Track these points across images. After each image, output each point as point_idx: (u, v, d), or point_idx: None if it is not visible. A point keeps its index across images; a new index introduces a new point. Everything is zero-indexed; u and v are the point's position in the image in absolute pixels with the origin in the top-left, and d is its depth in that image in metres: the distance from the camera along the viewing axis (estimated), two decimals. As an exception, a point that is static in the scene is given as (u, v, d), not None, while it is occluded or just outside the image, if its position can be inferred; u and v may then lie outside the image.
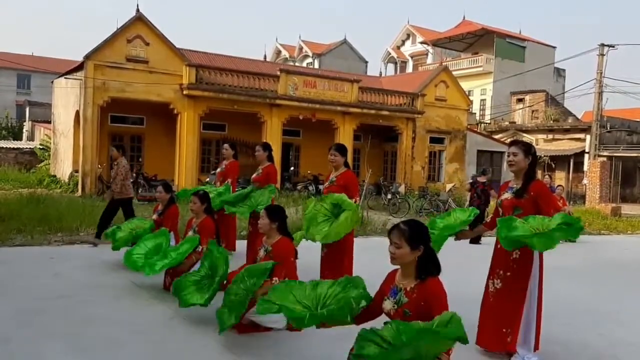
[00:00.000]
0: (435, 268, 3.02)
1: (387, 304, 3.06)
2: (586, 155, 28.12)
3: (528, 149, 4.19)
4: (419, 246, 2.97)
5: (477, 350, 4.22)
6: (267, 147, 7.13)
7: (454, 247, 5.29)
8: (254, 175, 7.05)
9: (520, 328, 4.02)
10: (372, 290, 3.29)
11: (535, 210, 4.02)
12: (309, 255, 5.71)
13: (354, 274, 4.54)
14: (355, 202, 5.54)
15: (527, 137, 30.28)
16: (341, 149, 5.85)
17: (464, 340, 2.62)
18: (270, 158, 7.08)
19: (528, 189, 4.06)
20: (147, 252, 5.83)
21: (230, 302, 4.25)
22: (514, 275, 4.03)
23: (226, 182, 7.42)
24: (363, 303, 3.23)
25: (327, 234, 5.32)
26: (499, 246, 4.18)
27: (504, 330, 4.03)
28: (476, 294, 4.40)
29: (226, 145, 7.85)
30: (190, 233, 5.92)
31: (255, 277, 4.23)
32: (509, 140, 30.19)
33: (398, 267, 3.11)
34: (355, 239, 5.97)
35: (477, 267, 4.97)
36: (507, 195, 4.19)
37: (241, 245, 7.61)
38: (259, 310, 3.52)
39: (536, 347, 4.08)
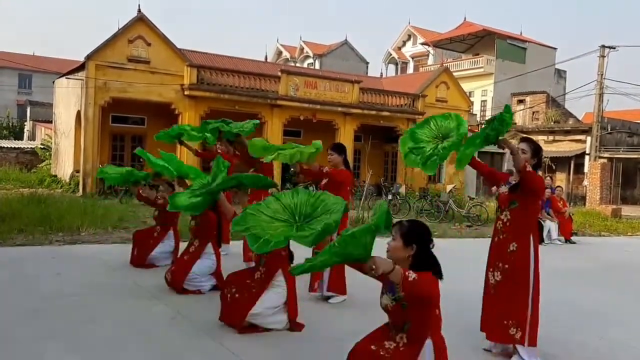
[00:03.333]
0: (432, 270, 2.93)
1: (385, 299, 3.05)
2: (587, 157, 28.12)
3: (537, 150, 4.22)
4: (411, 244, 2.99)
5: (477, 350, 4.23)
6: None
7: (449, 246, 5.29)
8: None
9: (527, 322, 4.02)
10: (373, 293, 3.29)
11: (531, 199, 4.12)
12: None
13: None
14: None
15: (527, 139, 30.22)
16: (338, 148, 5.77)
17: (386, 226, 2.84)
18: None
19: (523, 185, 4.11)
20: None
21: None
22: (512, 267, 4.06)
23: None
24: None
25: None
26: (495, 239, 4.24)
27: (506, 322, 4.03)
28: (474, 291, 4.40)
29: (218, 144, 7.57)
30: (192, 223, 5.85)
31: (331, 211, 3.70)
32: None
33: None
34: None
35: (476, 262, 4.98)
36: (503, 189, 4.25)
37: (240, 245, 7.58)
38: (251, 243, 3.55)
39: (534, 343, 4.07)
